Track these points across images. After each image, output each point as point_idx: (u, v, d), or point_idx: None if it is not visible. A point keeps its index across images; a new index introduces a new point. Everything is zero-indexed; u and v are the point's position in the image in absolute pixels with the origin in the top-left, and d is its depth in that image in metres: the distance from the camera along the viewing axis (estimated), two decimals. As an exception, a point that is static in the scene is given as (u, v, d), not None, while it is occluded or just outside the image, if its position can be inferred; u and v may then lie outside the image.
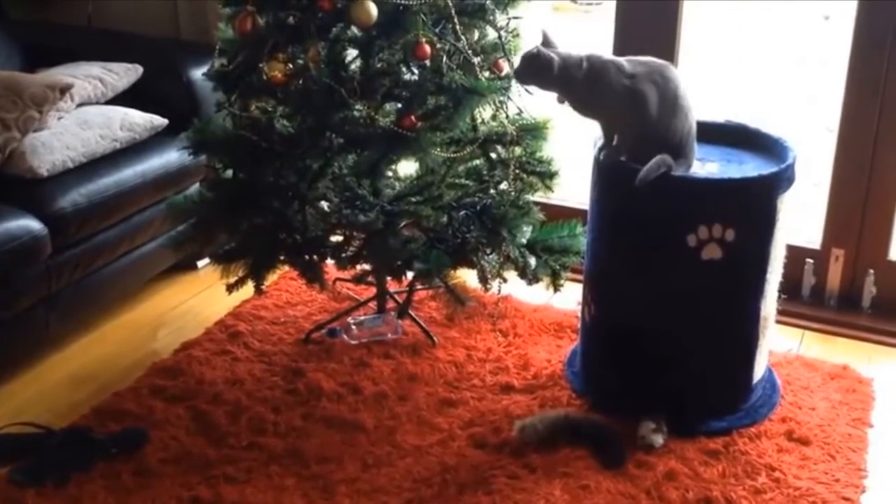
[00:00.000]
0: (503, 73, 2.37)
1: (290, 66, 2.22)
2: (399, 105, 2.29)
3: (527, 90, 2.32)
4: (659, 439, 2.20)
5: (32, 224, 2.39)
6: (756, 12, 6.36)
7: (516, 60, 2.24)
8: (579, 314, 2.51)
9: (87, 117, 2.71)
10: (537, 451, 2.17)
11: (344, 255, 2.44)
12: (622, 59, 2.18)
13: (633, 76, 2.14)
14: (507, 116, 2.37)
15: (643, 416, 2.24)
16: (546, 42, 2.18)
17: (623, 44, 2.90)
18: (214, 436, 2.23)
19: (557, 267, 2.51)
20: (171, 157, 2.75)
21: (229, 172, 2.43)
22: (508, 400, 2.38)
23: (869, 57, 2.64)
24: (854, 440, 2.25)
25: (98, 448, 2.17)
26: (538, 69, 2.15)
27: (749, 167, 2.25)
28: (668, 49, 2.83)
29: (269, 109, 2.36)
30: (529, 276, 2.50)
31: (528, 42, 2.41)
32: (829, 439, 2.24)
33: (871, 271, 2.80)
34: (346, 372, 2.48)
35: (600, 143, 2.28)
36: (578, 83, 2.15)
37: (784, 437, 2.25)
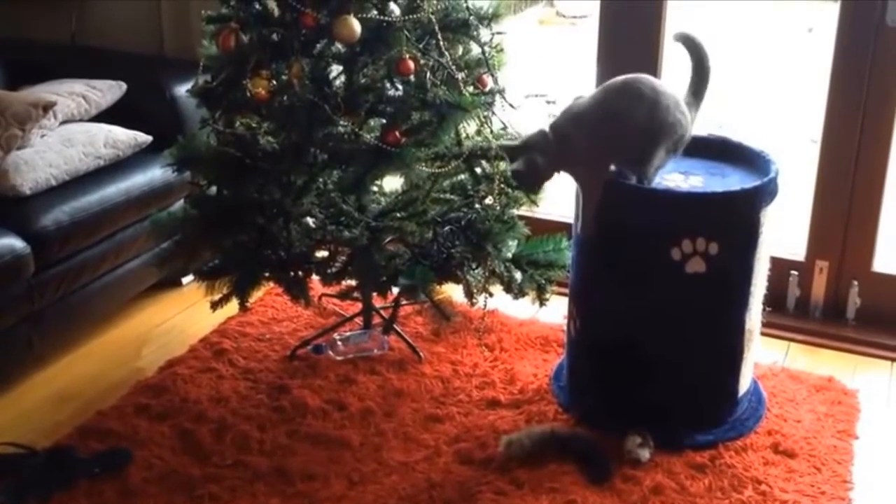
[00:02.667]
0: (487, 89, 2.37)
1: (274, 82, 2.22)
2: (383, 121, 2.29)
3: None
4: (645, 453, 2.20)
5: (15, 243, 2.38)
6: (740, 24, 6.41)
7: (500, 79, 2.26)
8: (565, 328, 2.51)
9: (70, 135, 2.70)
10: (524, 466, 2.17)
11: (329, 270, 2.43)
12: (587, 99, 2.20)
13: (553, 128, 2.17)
14: (492, 131, 2.37)
15: (629, 430, 2.23)
16: (522, 148, 2.20)
17: (607, 55, 2.92)
18: (199, 454, 2.22)
19: (543, 281, 2.51)
20: (155, 174, 2.75)
21: (213, 189, 2.43)
22: (495, 415, 2.38)
23: (851, 69, 2.66)
24: (839, 452, 2.25)
25: (81, 468, 2.15)
26: (533, 175, 2.19)
27: (732, 180, 2.26)
28: (650, 61, 2.85)
29: (254, 126, 2.36)
30: (515, 291, 2.50)
31: (511, 57, 2.43)
32: (815, 451, 2.25)
33: (855, 282, 2.81)
34: (332, 388, 2.47)
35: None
36: (552, 152, 2.17)
37: (770, 450, 2.25)
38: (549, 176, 2.22)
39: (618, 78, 2.18)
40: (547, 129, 2.17)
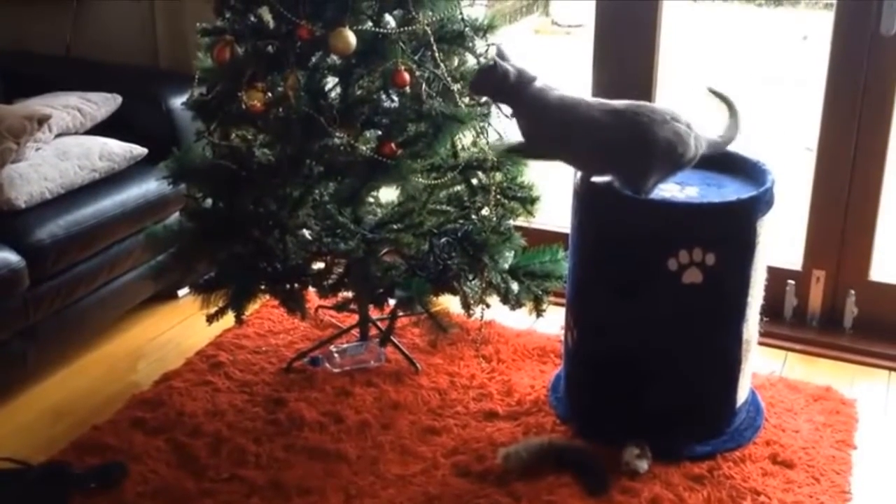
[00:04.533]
0: (483, 100, 2.37)
1: (269, 94, 2.22)
2: (379, 132, 2.28)
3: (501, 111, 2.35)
4: (643, 465, 2.19)
5: (9, 256, 2.37)
6: (735, 32, 6.42)
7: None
8: (562, 339, 2.50)
9: (65, 148, 2.69)
10: (522, 478, 2.16)
11: (325, 283, 2.43)
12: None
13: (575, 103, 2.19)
14: (488, 142, 2.37)
15: (627, 441, 2.23)
16: (501, 56, 2.21)
17: (602, 64, 2.92)
18: (194, 468, 2.21)
19: (540, 292, 2.51)
20: (151, 186, 2.74)
21: (209, 201, 2.42)
22: (492, 427, 2.37)
23: (846, 78, 2.66)
24: (838, 462, 2.24)
25: (76, 483, 2.14)
26: (494, 79, 2.19)
27: (728, 191, 2.25)
28: (646, 69, 2.85)
29: (249, 138, 2.36)
30: (512, 302, 2.49)
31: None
32: (814, 462, 2.24)
33: (853, 292, 2.80)
34: (329, 401, 2.46)
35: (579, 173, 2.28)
36: (527, 95, 2.19)
37: (768, 461, 2.24)
38: (492, 95, 2.25)
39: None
40: (540, 84, 2.20)
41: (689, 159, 2.16)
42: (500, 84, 2.19)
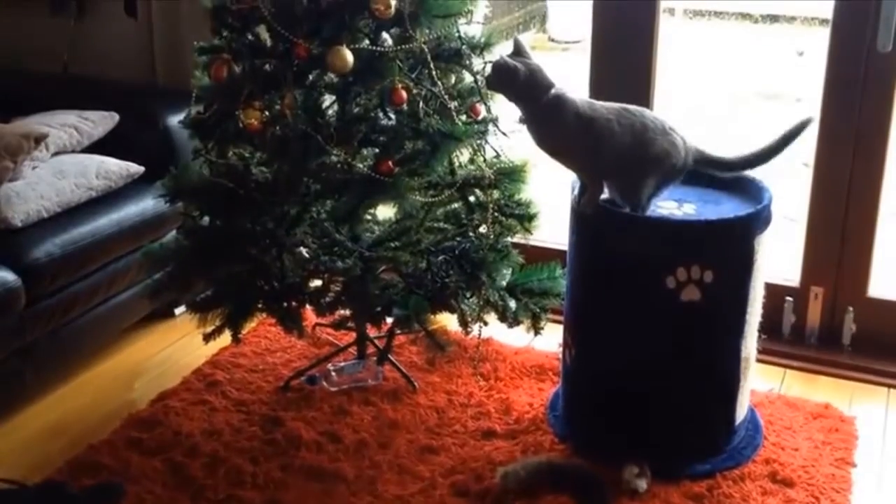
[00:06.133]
0: (480, 117, 2.37)
1: (267, 113, 2.21)
2: (376, 150, 2.29)
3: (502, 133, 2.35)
4: (643, 484, 2.18)
5: (6, 275, 2.36)
6: (730, 48, 6.44)
7: (493, 108, 2.27)
8: (561, 357, 2.50)
9: (62, 166, 2.69)
10: (520, 498, 2.14)
11: (323, 301, 2.42)
12: (590, 101, 2.19)
13: (584, 109, 2.14)
14: (485, 160, 2.37)
15: (626, 460, 2.22)
16: (518, 50, 2.18)
17: (599, 80, 2.93)
18: (191, 489, 2.19)
19: (538, 310, 2.50)
20: (148, 204, 2.74)
21: (206, 220, 2.41)
22: (490, 446, 2.36)
23: (842, 95, 2.67)
24: (838, 481, 2.23)
25: (72, 503, 2.12)
26: (504, 78, 2.16)
27: (726, 208, 2.25)
28: (643, 85, 2.86)
29: (246, 156, 2.36)
30: (510, 320, 2.49)
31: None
32: (813, 480, 2.23)
33: (851, 308, 2.80)
34: (326, 420, 2.45)
35: (578, 188, 2.27)
36: (541, 104, 2.15)
37: (768, 479, 2.23)
38: (516, 98, 2.19)
39: (615, 103, 2.18)
40: (560, 91, 2.16)
41: (679, 169, 2.17)
42: (510, 82, 2.14)
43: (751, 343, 2.29)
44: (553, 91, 2.15)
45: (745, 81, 5.92)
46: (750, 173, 2.31)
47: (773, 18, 6.74)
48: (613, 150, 2.13)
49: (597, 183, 2.20)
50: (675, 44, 2.87)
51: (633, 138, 2.13)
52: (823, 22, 5.96)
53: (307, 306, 2.45)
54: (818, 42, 3.11)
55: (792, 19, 6.72)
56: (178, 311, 2.99)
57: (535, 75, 2.15)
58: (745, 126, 5.23)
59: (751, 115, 5.49)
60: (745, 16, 6.73)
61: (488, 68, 2.38)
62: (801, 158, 3.90)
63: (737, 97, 5.70)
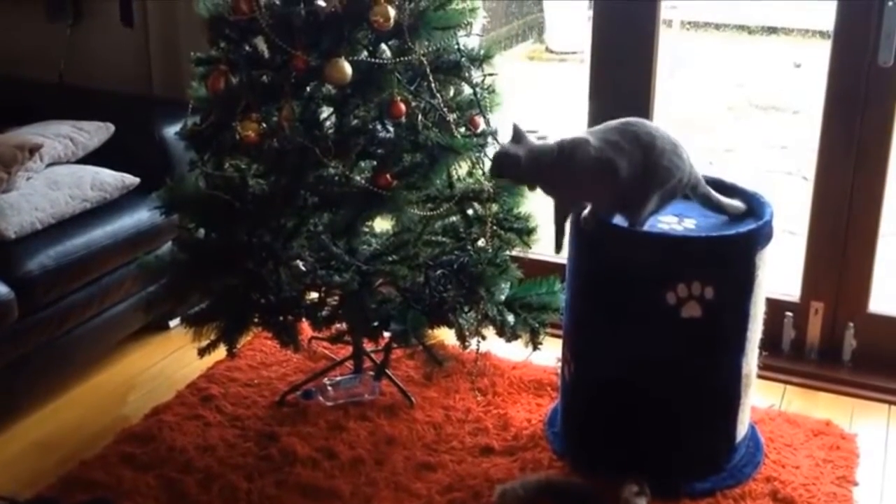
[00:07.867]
0: (479, 130, 2.36)
1: (264, 125, 2.19)
2: (374, 163, 2.27)
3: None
4: (642, 502, 2.15)
5: (-2, 288, 2.33)
6: (729, 61, 6.45)
7: (492, 120, 2.24)
8: (559, 371, 2.47)
9: (56, 177, 2.67)
10: (519, 516, 2.12)
11: (319, 315, 2.39)
12: (592, 132, 2.16)
13: (599, 149, 2.11)
14: (484, 173, 2.35)
15: (626, 477, 2.19)
16: (517, 136, 2.15)
17: (599, 91, 2.91)
18: (185, 506, 2.17)
19: (536, 324, 2.47)
20: (143, 216, 2.71)
21: (202, 232, 2.39)
22: (488, 463, 2.33)
23: (843, 109, 2.65)
24: (839, 499, 2.21)
25: (64, 520, 2.10)
26: (507, 167, 2.14)
27: (727, 223, 2.23)
28: (643, 97, 2.84)
29: (243, 168, 2.33)
30: (508, 334, 2.46)
31: (503, 97, 2.42)
32: (814, 499, 2.20)
33: (851, 324, 2.78)
34: (322, 435, 2.42)
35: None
36: (549, 170, 2.12)
37: (769, 498, 2.21)
38: (524, 181, 2.23)
39: (615, 120, 2.16)
40: (556, 147, 2.13)
41: (683, 186, 2.15)
42: (513, 168, 2.13)
43: (752, 360, 2.26)
44: (556, 150, 2.12)
45: (741, 92, 5.93)
46: (750, 188, 2.29)
47: (771, 30, 6.75)
48: (628, 176, 2.10)
49: (602, 205, 2.18)
50: (675, 55, 2.85)
51: (643, 156, 2.10)
52: (820, 34, 5.99)
53: (303, 320, 2.43)
54: (815, 54, 3.11)
55: (789, 31, 6.74)
56: (173, 323, 2.96)
57: (535, 152, 2.12)
58: (740, 136, 5.23)
59: (747, 125, 5.49)
60: (742, 28, 6.75)
61: (487, 80, 2.37)
62: (802, 172, 3.91)
63: (734, 108, 5.70)
